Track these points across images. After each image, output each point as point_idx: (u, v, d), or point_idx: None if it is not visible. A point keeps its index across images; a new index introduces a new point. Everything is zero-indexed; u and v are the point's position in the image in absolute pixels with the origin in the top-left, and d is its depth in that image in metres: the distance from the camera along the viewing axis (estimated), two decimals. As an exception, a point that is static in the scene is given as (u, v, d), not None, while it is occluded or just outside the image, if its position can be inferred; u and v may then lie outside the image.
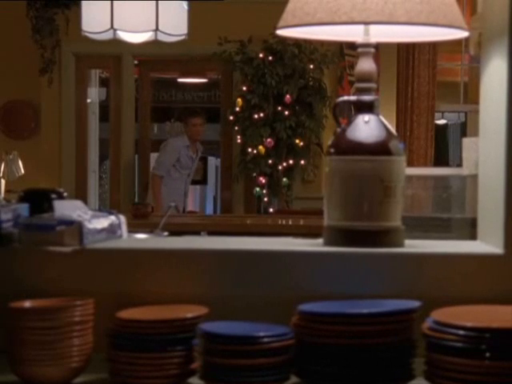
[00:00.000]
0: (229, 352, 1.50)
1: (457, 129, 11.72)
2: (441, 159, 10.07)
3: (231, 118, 7.23)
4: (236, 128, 7.24)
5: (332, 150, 1.72)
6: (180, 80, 8.99)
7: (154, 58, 7.57)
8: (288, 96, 7.04)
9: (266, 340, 1.51)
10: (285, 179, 7.19)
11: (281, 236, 2.15)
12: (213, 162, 8.90)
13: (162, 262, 1.64)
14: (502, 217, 1.65)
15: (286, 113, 7.05)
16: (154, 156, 7.57)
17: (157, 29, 4.07)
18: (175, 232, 3.21)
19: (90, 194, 8.01)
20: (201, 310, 1.57)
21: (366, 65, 1.72)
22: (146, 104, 7.74)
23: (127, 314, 1.56)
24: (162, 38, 4.26)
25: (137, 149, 7.70)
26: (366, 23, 1.66)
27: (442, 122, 11.20)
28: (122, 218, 1.78)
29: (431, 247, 1.71)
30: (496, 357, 1.48)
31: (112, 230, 1.71)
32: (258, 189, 7.11)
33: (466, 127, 8.68)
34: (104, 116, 8.03)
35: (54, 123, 7.55)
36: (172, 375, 1.53)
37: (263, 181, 7.10)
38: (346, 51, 8.35)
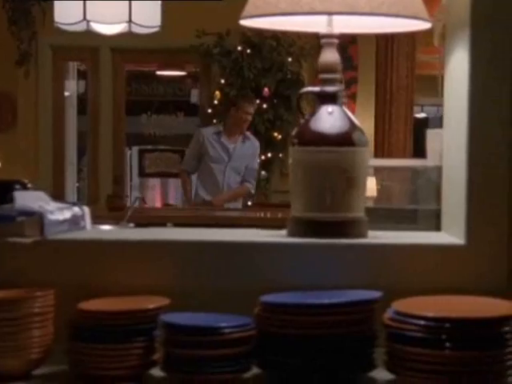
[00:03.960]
0: (190, 343, 1.50)
1: (436, 122, 11.75)
2: (420, 152, 10.10)
3: (209, 111, 7.22)
4: (214, 121, 7.22)
5: (295, 141, 1.72)
6: (158, 73, 8.96)
7: (131, 50, 7.53)
8: (266, 89, 7.04)
9: (227, 331, 1.50)
10: (263, 172, 7.18)
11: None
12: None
13: (124, 253, 1.64)
14: (464, 208, 1.66)
15: (264, 106, 7.05)
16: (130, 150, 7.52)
17: (130, 20, 4.05)
18: (144, 224, 3.20)
19: (68, 187, 7.98)
20: (162, 301, 1.57)
21: (329, 56, 1.72)
22: (120, 97, 7.69)
23: (88, 304, 1.56)
24: (135, 29, 4.25)
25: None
26: (329, 13, 1.66)
27: (421, 115, 11.23)
28: (86, 210, 1.77)
29: (394, 238, 1.72)
30: (456, 346, 1.48)
31: (75, 222, 1.70)
32: (236, 182, 7.09)
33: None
34: (84, 109, 7.99)
35: (30, 116, 7.50)
36: (133, 366, 1.53)
37: (242, 174, 7.08)
38: (324, 44, 8.37)
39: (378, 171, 2.97)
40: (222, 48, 7.18)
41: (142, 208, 4.51)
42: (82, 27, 4.19)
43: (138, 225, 3.10)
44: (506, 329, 1.50)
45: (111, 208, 4.16)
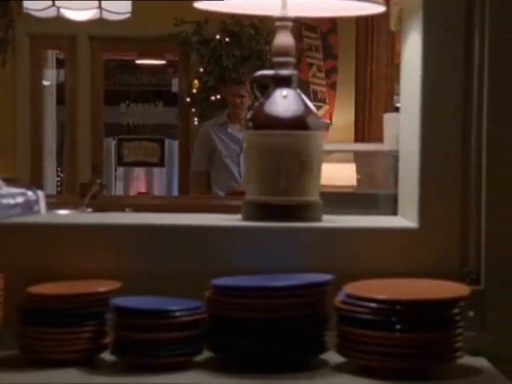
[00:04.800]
0: (140, 326, 1.49)
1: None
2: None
3: (188, 99, 7.20)
4: (193, 110, 7.20)
5: (250, 125, 1.71)
6: (138, 62, 8.93)
7: (109, 38, 7.49)
8: (245, 78, 7.02)
9: (177, 314, 1.50)
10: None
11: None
12: (172, 145, 8.86)
13: (75, 237, 1.63)
14: (417, 192, 1.66)
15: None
16: (107, 140, 7.49)
17: (100, 6, 4.03)
18: (103, 210, 3.19)
19: (48, 176, 7.95)
20: (113, 285, 1.56)
21: (283, 39, 1.71)
22: (99, 86, 7.65)
23: (38, 288, 1.55)
24: (106, 16, 4.22)
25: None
26: (281, -4, 1.66)
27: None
28: (41, 194, 1.76)
29: (347, 222, 1.72)
30: (406, 328, 1.49)
31: (28, 206, 1.69)
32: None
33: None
34: (63, 98, 7.95)
35: (8, 105, 7.45)
36: (83, 350, 1.52)
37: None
38: (304, 33, 8.36)
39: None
40: (200, 36, 7.15)
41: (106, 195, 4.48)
42: (52, 13, 4.16)
43: (98, 210, 3.09)
44: (456, 311, 1.51)
45: (84, 196, 4.16)
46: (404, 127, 1.78)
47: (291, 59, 1.71)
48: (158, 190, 9.20)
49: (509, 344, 1.62)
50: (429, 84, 1.63)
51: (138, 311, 1.50)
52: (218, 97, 7.02)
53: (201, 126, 6.13)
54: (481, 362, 1.57)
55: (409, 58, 1.75)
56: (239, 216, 1.74)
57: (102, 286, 1.55)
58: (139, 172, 9.76)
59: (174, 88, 8.59)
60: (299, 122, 1.68)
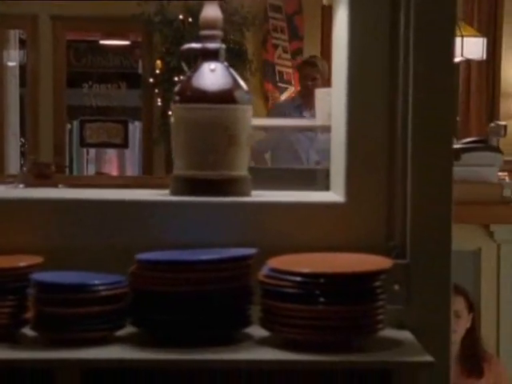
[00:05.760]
0: (61, 301, 1.48)
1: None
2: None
3: (151, 80, 7.15)
4: (156, 91, 7.17)
5: (177, 98, 1.70)
6: (102, 42, 8.85)
7: (72, 18, 7.41)
8: (208, 58, 6.99)
9: (98, 288, 1.49)
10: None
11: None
12: (135, 126, 8.81)
13: (-2, 211, 1.61)
14: (344, 167, 1.66)
15: (207, 76, 7.00)
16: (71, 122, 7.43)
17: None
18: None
19: (11, 157, 7.90)
20: (34, 260, 1.55)
21: (210, 12, 1.70)
22: (61, 67, 7.58)
23: (-43, 263, 1.53)
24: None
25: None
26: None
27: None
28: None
29: (276, 197, 1.72)
30: (330, 302, 1.49)
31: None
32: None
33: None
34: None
35: (-32, 85, 7.37)
36: (3, 325, 1.51)
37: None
38: (270, 14, 8.32)
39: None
40: (163, 17, 7.11)
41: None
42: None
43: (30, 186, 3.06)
44: (378, 284, 1.52)
45: (37, 175, 4.13)
46: (334, 103, 1.78)
47: (218, 32, 1.70)
48: (131, 172, 9.15)
49: (433, 317, 1.62)
50: (355, 60, 1.63)
51: (58, 286, 1.49)
52: (182, 77, 6.98)
53: (277, 107, 5.82)
54: (405, 334, 1.58)
55: (338, 33, 1.74)
56: (167, 191, 1.73)
57: (23, 261, 1.53)
58: (111, 155, 9.70)
59: (140, 69, 8.53)
60: (227, 96, 1.67)
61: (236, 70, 6.30)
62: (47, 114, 7.54)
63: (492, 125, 3.62)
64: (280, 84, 8.12)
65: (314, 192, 1.84)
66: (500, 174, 7.35)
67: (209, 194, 1.66)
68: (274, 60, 8.24)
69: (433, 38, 1.61)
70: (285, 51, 8.25)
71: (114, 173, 9.35)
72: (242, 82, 1.71)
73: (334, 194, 1.77)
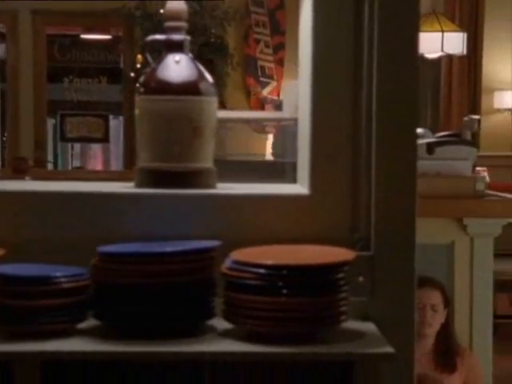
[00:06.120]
0: (23, 293, 1.47)
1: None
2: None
3: (132, 74, 7.13)
4: (137, 85, 7.13)
5: (141, 90, 1.69)
6: (83, 37, 8.80)
7: (53, 12, 7.37)
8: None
9: (59, 280, 1.48)
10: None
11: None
12: (119, 121, 8.77)
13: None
14: (308, 158, 1.66)
15: (187, 70, 6.99)
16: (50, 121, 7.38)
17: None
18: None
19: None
20: (-4, 252, 1.54)
21: (175, 3, 1.69)
22: (41, 62, 7.54)
23: None
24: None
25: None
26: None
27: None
28: None
29: (241, 189, 1.71)
30: (292, 293, 1.49)
31: None
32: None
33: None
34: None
35: None
36: (-36, 318, 1.50)
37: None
38: (251, 8, 8.31)
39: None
40: (143, 11, 7.09)
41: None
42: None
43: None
44: (340, 275, 1.52)
45: (15, 170, 4.11)
46: (301, 95, 1.77)
47: (183, 24, 1.70)
48: (116, 167, 9.11)
49: (397, 309, 1.63)
50: (319, 51, 1.62)
51: (20, 278, 1.48)
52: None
53: None
54: (368, 326, 1.58)
55: (303, 25, 1.74)
56: (132, 184, 1.72)
57: (-16, 253, 1.52)
58: (96, 150, 9.66)
59: (122, 64, 8.49)
60: (191, 88, 1.66)
61: (217, 64, 6.31)
62: (27, 109, 7.51)
63: (465, 119, 3.63)
64: (262, 79, 8.12)
65: (280, 185, 1.83)
66: (479, 168, 7.39)
67: (173, 186, 1.66)
68: (255, 55, 8.24)
69: (397, 29, 1.61)
70: (267, 46, 8.24)
71: (99, 167, 9.32)
72: (207, 74, 1.71)
73: (300, 187, 1.77)
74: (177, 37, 1.69)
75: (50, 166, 8.21)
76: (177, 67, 1.67)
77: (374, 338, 1.52)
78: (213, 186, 1.70)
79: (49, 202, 1.62)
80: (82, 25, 8.04)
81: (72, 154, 9.62)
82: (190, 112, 1.65)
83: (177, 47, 1.69)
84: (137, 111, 1.69)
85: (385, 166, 1.63)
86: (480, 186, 3.12)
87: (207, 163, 1.70)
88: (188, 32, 6.46)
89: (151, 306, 1.50)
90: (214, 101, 1.69)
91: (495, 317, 6.34)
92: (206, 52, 7.08)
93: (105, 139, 7.80)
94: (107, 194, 1.65)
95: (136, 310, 1.50)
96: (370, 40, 1.61)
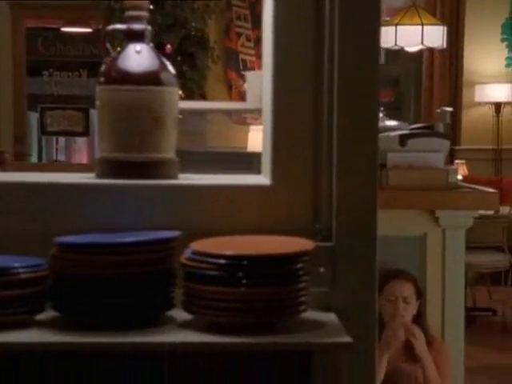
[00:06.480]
0: (-20, 284, 1.46)
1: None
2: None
3: (112, 68, 7.10)
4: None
5: (102, 80, 1.68)
6: (63, 30, 8.75)
7: (32, 6, 7.33)
8: (169, 46, 6.94)
9: (17, 271, 1.47)
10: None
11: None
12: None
13: None
14: (270, 148, 1.66)
15: (168, 64, 6.97)
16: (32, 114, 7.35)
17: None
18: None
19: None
20: (-47, 243, 1.53)
21: (136, -7, 1.68)
22: (21, 55, 7.50)
23: None
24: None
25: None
26: None
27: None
28: None
29: (203, 180, 1.70)
30: (252, 284, 1.49)
31: None
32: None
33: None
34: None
35: None
36: None
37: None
38: (233, 2, 8.30)
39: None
40: (123, 4, 7.04)
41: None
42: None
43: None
44: (300, 265, 1.51)
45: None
46: (264, 86, 1.77)
47: (144, 13, 1.68)
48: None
49: (358, 299, 1.63)
50: (280, 43, 1.62)
51: (-24, 269, 1.47)
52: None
53: None
54: (329, 317, 1.58)
55: (265, 16, 1.73)
56: (93, 174, 1.71)
57: None
58: (80, 144, 9.63)
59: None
60: (152, 78, 1.65)
61: (198, 57, 6.26)
62: (7, 103, 7.47)
63: (438, 111, 3.63)
64: (243, 72, 8.11)
65: (244, 175, 1.83)
66: (458, 161, 7.41)
67: (134, 177, 1.65)
68: (237, 48, 8.22)
69: (358, 23, 1.61)
70: (248, 39, 8.23)
71: (84, 161, 9.28)
72: (168, 65, 1.70)
73: (264, 178, 1.76)
74: (138, 26, 1.68)
75: (34, 160, 8.19)
76: (137, 57, 1.66)
77: (333, 327, 1.52)
78: (174, 177, 1.70)
79: (8, 192, 1.61)
80: (62, 18, 7.99)
81: (57, 148, 9.59)
82: (151, 102, 1.65)
83: (138, 37, 1.68)
84: (97, 102, 1.68)
85: (346, 158, 1.63)
86: (452, 178, 3.12)
87: (169, 154, 1.69)
88: (168, 25, 6.45)
89: (110, 297, 1.49)
90: (175, 91, 1.69)
91: (474, 309, 6.42)
92: (187, 45, 7.06)
93: (85, 133, 7.77)
94: (67, 184, 1.64)
95: (94, 301, 1.49)
96: (331, 33, 1.61)
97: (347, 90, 1.61)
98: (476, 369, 5.09)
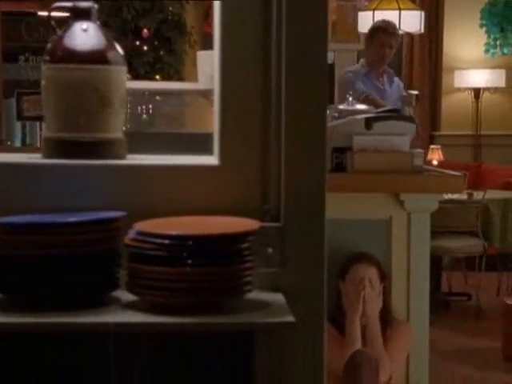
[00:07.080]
0: None
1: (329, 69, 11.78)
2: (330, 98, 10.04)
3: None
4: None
5: (47, 58, 1.66)
6: (39, 14, 8.66)
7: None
8: (146, 30, 6.91)
9: (-43, 252, 1.46)
10: (145, 116, 7.09)
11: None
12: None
13: None
14: (218, 129, 1.64)
15: (145, 48, 6.93)
16: (8, 102, 7.26)
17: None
18: None
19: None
20: None
21: (81, -30, 1.66)
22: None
23: None
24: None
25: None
26: None
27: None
28: None
29: (151, 160, 1.69)
30: (197, 263, 1.48)
31: None
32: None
33: (334, 67, 8.71)
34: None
35: None
36: None
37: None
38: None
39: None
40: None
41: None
42: None
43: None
44: (245, 245, 1.50)
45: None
46: (214, 65, 1.75)
47: (90, -9, 1.66)
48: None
49: (307, 280, 1.62)
50: (227, 22, 1.61)
51: None
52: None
53: (347, 74, 5.47)
54: (276, 297, 1.57)
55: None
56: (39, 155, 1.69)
57: None
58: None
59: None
60: (98, 57, 1.63)
61: (175, 42, 6.20)
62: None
63: (404, 94, 3.61)
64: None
65: (194, 156, 1.81)
66: (433, 146, 7.39)
67: (81, 157, 1.63)
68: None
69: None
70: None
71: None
72: (115, 44, 1.68)
73: (214, 158, 1.75)
74: (84, 4, 1.66)
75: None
76: (84, 35, 1.64)
77: (278, 308, 1.51)
78: (122, 157, 1.68)
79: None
80: (38, 1, 7.90)
81: (41, 135, 9.52)
82: (97, 81, 1.62)
83: (84, 15, 1.65)
84: (43, 81, 1.66)
85: (294, 138, 1.61)
86: (418, 162, 3.11)
87: (116, 133, 1.67)
88: (145, 10, 6.34)
89: (53, 278, 1.48)
90: (122, 70, 1.67)
91: (450, 294, 6.43)
92: (164, 30, 7.03)
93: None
94: (12, 164, 1.62)
95: (37, 282, 1.48)
96: (279, 9, 1.59)
97: (295, 69, 1.60)
98: (450, 353, 5.11)
